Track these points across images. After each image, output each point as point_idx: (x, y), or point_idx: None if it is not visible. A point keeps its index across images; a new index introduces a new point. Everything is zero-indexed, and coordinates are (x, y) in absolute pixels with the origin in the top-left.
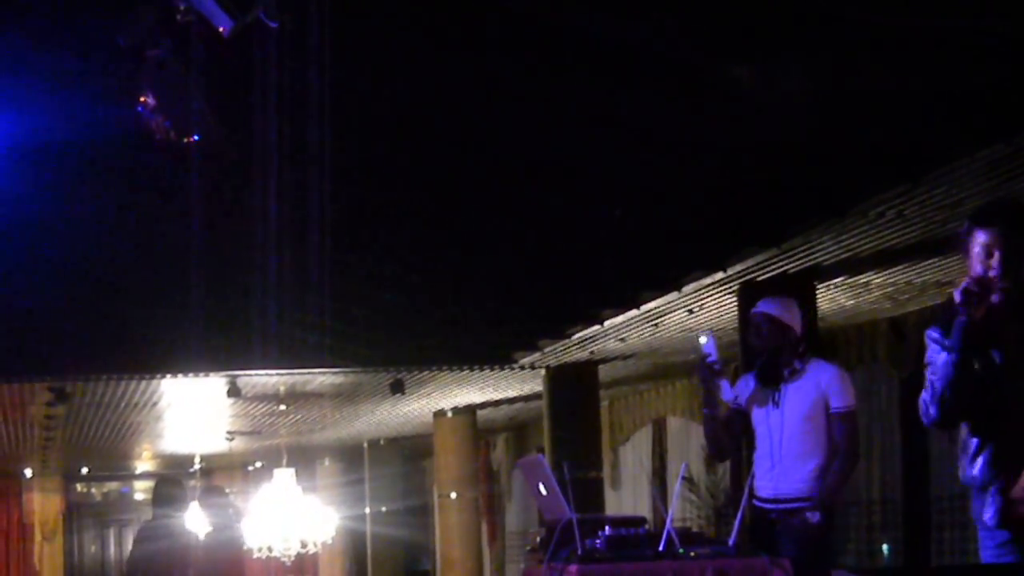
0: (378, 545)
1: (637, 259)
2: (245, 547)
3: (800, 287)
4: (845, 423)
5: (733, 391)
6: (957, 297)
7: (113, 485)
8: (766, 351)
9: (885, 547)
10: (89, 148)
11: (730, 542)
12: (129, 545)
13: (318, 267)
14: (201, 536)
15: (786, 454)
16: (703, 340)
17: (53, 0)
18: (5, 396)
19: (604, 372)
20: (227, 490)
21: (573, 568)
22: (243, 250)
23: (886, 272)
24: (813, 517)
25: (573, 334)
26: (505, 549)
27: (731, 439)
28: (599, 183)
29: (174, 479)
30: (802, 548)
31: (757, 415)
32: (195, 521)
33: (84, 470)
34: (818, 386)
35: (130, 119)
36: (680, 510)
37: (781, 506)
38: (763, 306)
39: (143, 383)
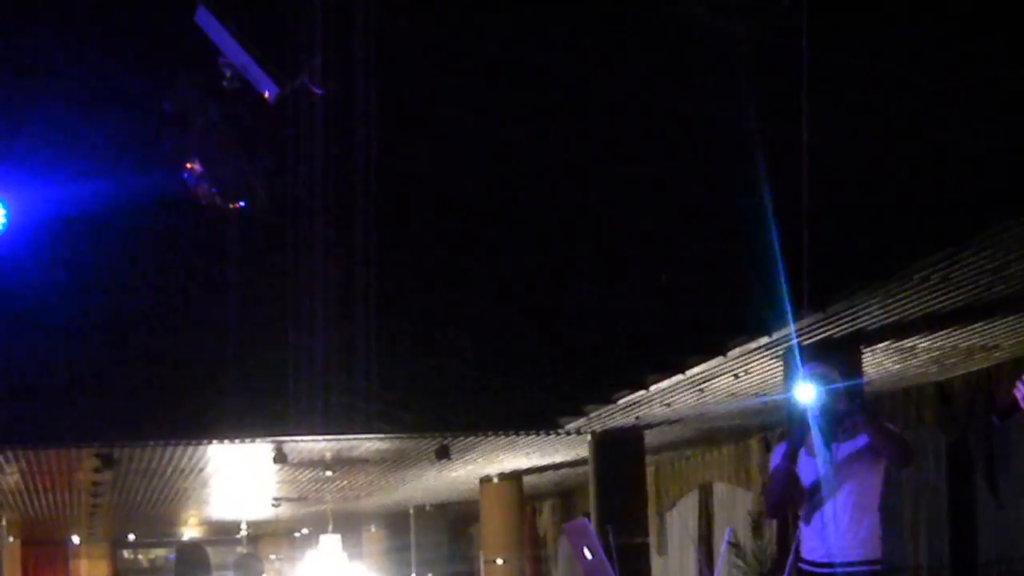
0: None
1: (682, 324)
2: None
3: (845, 351)
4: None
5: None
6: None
7: (160, 551)
8: (818, 412)
9: None
10: (135, 215)
11: None
12: None
13: (364, 334)
14: None
15: (840, 514)
16: (805, 395)
17: (100, 67)
18: (53, 462)
19: (650, 437)
20: (272, 557)
21: None
22: (289, 316)
23: (932, 336)
24: None
25: (619, 399)
26: None
27: (791, 497)
28: (644, 248)
29: (195, 544)
30: None
31: (808, 475)
32: None
33: (131, 536)
34: (869, 442)
35: (175, 185)
36: (726, 575)
37: (835, 571)
38: (813, 367)
39: (190, 449)
